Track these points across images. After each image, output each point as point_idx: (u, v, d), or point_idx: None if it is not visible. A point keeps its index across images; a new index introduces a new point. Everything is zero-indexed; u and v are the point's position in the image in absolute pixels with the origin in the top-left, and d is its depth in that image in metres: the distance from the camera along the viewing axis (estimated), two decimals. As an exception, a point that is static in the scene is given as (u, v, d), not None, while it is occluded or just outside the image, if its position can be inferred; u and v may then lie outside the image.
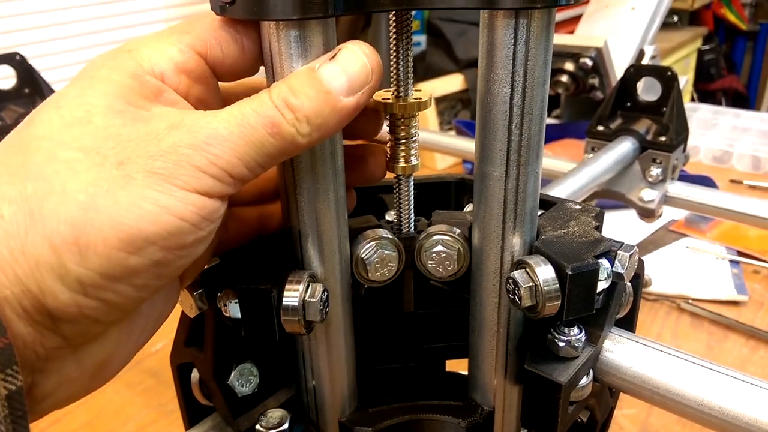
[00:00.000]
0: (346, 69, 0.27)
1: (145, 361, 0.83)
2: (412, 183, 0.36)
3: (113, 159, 0.24)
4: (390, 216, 0.39)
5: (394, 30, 0.32)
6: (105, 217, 0.23)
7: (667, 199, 0.75)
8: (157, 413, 0.74)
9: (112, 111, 0.25)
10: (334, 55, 0.27)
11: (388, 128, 0.35)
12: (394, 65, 0.33)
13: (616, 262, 0.33)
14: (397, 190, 0.36)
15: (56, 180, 0.23)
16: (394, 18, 0.32)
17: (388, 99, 0.33)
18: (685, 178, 0.77)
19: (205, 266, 0.33)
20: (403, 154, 0.35)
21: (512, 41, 0.28)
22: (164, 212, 0.24)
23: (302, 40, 0.27)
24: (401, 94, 0.33)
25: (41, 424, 0.72)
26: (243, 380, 0.35)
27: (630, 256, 0.33)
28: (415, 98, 0.34)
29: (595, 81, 1.20)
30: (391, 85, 0.34)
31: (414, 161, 0.35)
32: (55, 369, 0.25)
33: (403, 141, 0.34)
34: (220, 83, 0.30)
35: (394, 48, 0.32)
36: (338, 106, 0.26)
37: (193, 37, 0.27)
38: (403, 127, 0.34)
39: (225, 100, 0.29)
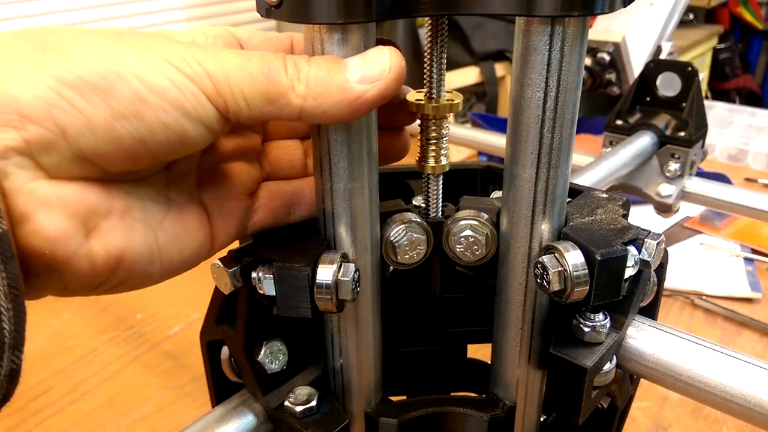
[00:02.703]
0: (366, 60, 0.28)
1: (162, 344, 0.84)
2: (440, 180, 0.37)
3: (113, 35, 0.26)
4: (417, 201, 0.40)
5: (429, 34, 0.33)
6: (93, 44, 0.25)
7: (684, 195, 0.75)
8: (174, 394, 0.75)
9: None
10: (365, 53, 0.28)
11: (419, 128, 0.36)
12: (428, 67, 0.34)
13: (643, 249, 0.33)
14: (425, 187, 0.37)
15: (67, 41, 0.25)
16: (430, 22, 0.32)
17: (421, 100, 0.34)
18: (701, 176, 0.77)
19: (238, 243, 0.34)
20: (433, 153, 0.36)
21: (547, 47, 0.29)
22: (148, 66, 0.25)
23: (344, 43, 0.28)
24: (434, 96, 0.34)
25: (60, 403, 0.74)
26: (272, 357, 0.36)
27: (657, 244, 0.33)
28: (447, 100, 0.34)
29: (612, 76, 1.20)
30: (425, 86, 0.34)
31: (444, 161, 0.36)
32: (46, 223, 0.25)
33: (434, 141, 0.35)
34: None
35: (428, 51, 0.33)
36: (344, 86, 0.27)
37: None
38: (434, 127, 0.35)
39: None
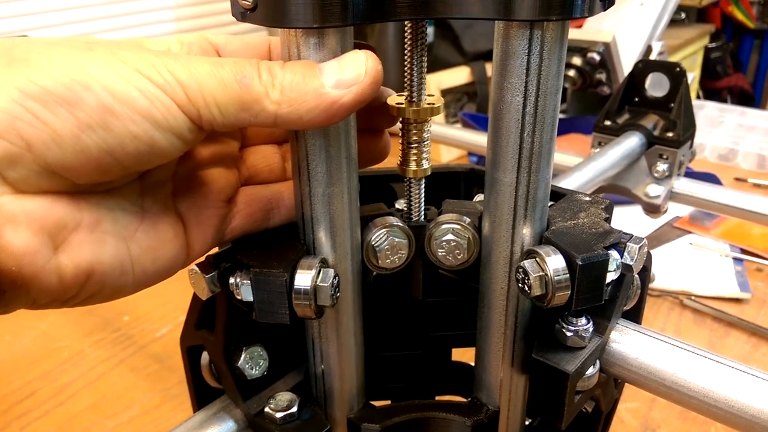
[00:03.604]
0: (342, 65, 0.27)
1: (149, 346, 0.83)
2: (423, 184, 0.36)
3: (86, 46, 0.25)
4: (400, 204, 0.40)
5: (409, 37, 0.33)
6: (60, 55, 0.24)
7: (672, 195, 0.75)
8: (161, 397, 0.74)
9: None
10: (341, 57, 0.28)
11: (400, 132, 0.35)
12: (408, 71, 0.33)
13: (626, 253, 0.33)
14: (407, 191, 0.36)
15: (34, 53, 0.25)
16: (409, 26, 0.32)
17: (402, 103, 0.34)
18: (691, 175, 0.77)
19: (217, 249, 0.33)
20: (414, 157, 0.35)
21: (526, 51, 0.29)
22: (117, 76, 0.24)
23: (320, 47, 0.28)
24: (414, 99, 0.34)
25: (46, 406, 0.73)
26: (252, 363, 0.35)
27: (639, 248, 0.33)
28: (428, 103, 0.34)
29: (602, 76, 1.21)
30: (405, 90, 0.34)
31: (425, 165, 0.36)
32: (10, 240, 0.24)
33: (415, 145, 0.35)
34: None
35: (408, 55, 0.33)
36: (320, 91, 0.27)
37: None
38: (415, 131, 0.35)
39: None
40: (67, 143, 0.24)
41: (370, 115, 0.34)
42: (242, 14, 0.27)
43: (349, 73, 0.27)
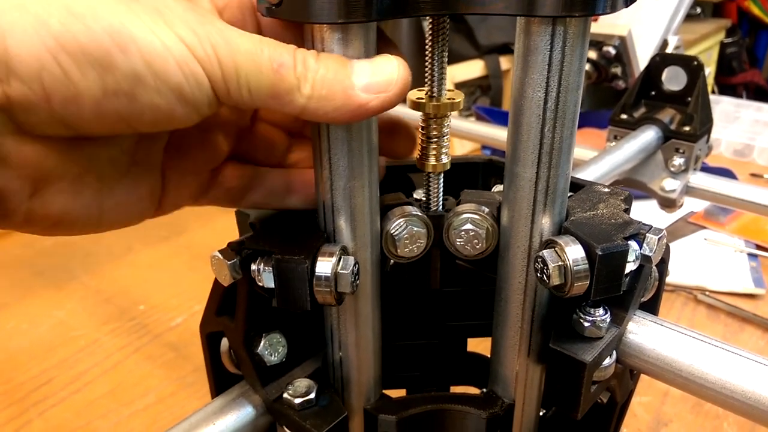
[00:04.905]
0: (374, 69, 0.27)
1: (164, 335, 0.84)
2: (441, 178, 0.37)
3: None
4: (418, 194, 0.40)
5: (430, 33, 0.33)
6: (106, 11, 0.23)
7: (688, 190, 0.75)
8: (176, 385, 0.75)
9: None
10: (373, 59, 0.28)
11: (420, 127, 0.36)
12: (429, 67, 0.34)
13: (645, 244, 0.33)
14: (426, 184, 0.37)
15: None
16: (431, 22, 0.32)
17: (422, 99, 0.34)
18: (706, 170, 0.76)
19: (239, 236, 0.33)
20: (434, 152, 0.35)
21: (548, 47, 0.29)
22: (158, 40, 0.24)
23: (344, 42, 0.28)
24: (435, 94, 0.34)
25: (62, 393, 0.74)
26: (272, 350, 0.36)
27: (659, 239, 0.33)
28: (449, 98, 0.34)
29: (618, 70, 1.20)
30: (426, 85, 0.34)
31: (444, 159, 0.36)
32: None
33: (435, 140, 0.35)
34: None
35: (429, 50, 0.33)
36: (349, 92, 0.27)
37: None
38: (435, 126, 0.35)
39: None
40: (86, 104, 0.24)
41: (387, 137, 0.35)
42: (268, 9, 0.28)
43: (380, 78, 0.27)
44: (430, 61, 0.33)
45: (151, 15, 0.24)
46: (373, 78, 0.27)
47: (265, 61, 0.26)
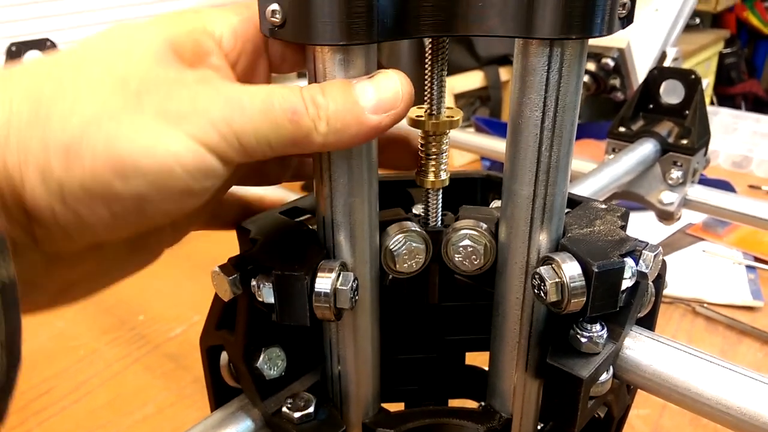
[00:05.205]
0: (379, 89, 0.28)
1: (164, 346, 0.84)
2: (440, 194, 0.37)
3: (134, 88, 0.25)
4: (417, 210, 0.40)
5: (430, 53, 0.33)
6: (102, 135, 0.24)
7: (686, 202, 0.75)
8: (176, 396, 0.75)
9: (155, 53, 0.26)
10: (373, 76, 0.28)
11: (420, 144, 0.36)
12: (429, 85, 0.34)
13: (641, 261, 0.33)
14: (425, 200, 0.37)
15: (73, 90, 0.24)
16: (431, 42, 0.33)
17: (421, 116, 0.35)
18: (704, 182, 0.77)
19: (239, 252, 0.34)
20: (433, 168, 0.36)
21: (546, 68, 0.29)
22: (161, 149, 0.24)
23: (346, 63, 0.28)
24: (434, 112, 0.35)
25: (62, 402, 0.74)
26: (271, 364, 0.36)
27: (654, 256, 0.33)
28: (447, 116, 0.35)
29: (617, 81, 1.20)
30: (425, 103, 0.35)
31: (443, 176, 0.36)
32: (21, 267, 0.25)
33: (434, 156, 0.36)
34: None
35: (429, 70, 0.34)
36: (361, 119, 0.27)
37: (254, 12, 0.29)
38: (434, 143, 0.35)
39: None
40: (99, 228, 0.26)
41: (386, 149, 0.36)
42: (271, 30, 0.28)
43: (386, 95, 0.28)
44: (429, 79, 0.34)
45: (155, 117, 0.25)
46: (379, 96, 0.28)
47: (279, 114, 0.26)
